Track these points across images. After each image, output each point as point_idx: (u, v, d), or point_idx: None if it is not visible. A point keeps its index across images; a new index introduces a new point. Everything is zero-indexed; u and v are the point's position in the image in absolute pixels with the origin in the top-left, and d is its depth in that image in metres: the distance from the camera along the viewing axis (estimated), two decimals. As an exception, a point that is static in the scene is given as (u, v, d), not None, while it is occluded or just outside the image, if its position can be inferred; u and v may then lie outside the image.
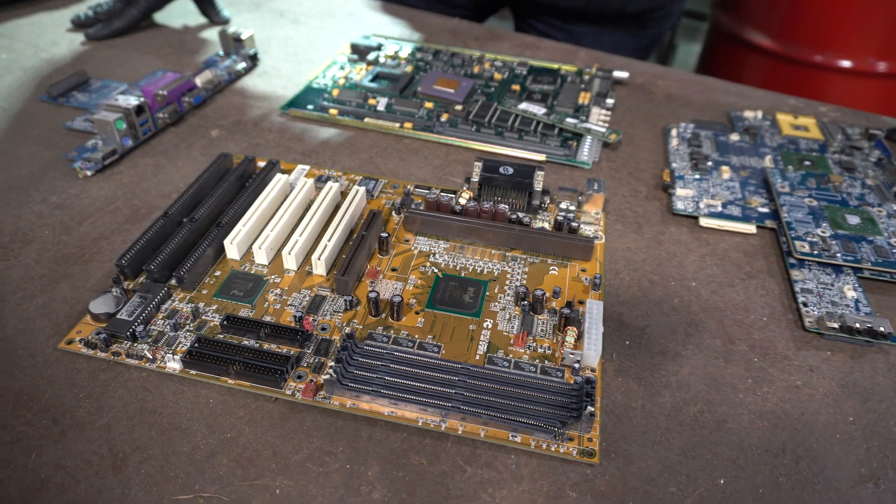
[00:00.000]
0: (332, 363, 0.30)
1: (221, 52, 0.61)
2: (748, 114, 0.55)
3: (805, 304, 0.36)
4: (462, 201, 0.41)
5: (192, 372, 0.31)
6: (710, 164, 0.48)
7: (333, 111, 0.52)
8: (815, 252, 0.39)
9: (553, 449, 0.29)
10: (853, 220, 0.42)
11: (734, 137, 0.51)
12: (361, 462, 0.28)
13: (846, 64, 1.20)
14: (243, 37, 0.59)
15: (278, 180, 0.41)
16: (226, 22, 0.68)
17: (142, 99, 0.48)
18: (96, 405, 0.30)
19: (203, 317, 0.34)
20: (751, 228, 0.42)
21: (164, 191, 0.43)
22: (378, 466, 0.28)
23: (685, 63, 1.79)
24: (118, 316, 0.32)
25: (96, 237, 0.39)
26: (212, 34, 0.66)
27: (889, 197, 0.44)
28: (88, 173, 0.44)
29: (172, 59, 0.61)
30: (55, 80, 0.56)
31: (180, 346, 0.32)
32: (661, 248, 0.41)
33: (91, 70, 0.58)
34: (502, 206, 0.40)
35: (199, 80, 0.55)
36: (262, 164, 0.45)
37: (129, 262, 0.35)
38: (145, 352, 0.32)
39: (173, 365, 0.31)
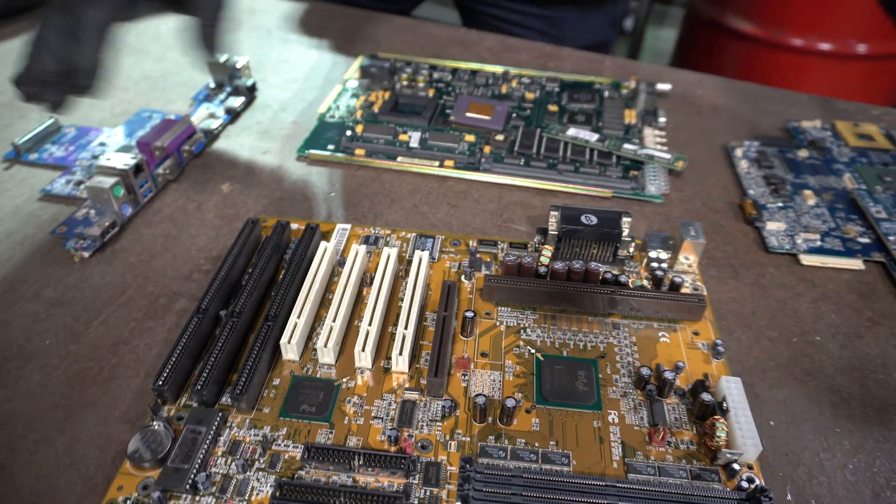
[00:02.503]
0: (460, 503, 0.24)
1: (213, 84, 0.53)
2: (807, 124, 0.51)
3: (952, 357, 0.32)
4: (544, 261, 0.35)
5: (279, 530, 0.24)
6: (789, 188, 0.43)
7: (360, 151, 0.45)
8: (943, 291, 0.35)
9: (739, 586, 0.24)
10: (966, 246, 0.38)
11: (803, 154, 0.47)
12: None
13: (826, 47, 1.19)
14: (239, 65, 0.52)
15: (324, 250, 0.35)
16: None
17: (139, 156, 0.40)
18: None
19: (273, 446, 0.27)
20: (858, 264, 0.38)
21: (182, 271, 0.36)
22: None
23: (655, 50, 1.77)
24: (170, 462, 0.26)
25: (113, 342, 0.32)
26: (197, 60, 0.58)
27: None
28: (85, 255, 0.37)
29: (153, 95, 0.53)
30: (19, 129, 0.47)
31: (255, 492, 0.25)
32: (767, 296, 0.36)
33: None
34: (594, 264, 0.34)
35: (195, 121, 0.47)
36: (294, 225, 0.38)
37: (169, 382, 0.28)
38: (213, 508, 0.25)
39: (253, 523, 0.24)
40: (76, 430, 0.28)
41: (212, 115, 0.49)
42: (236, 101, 0.51)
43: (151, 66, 0.57)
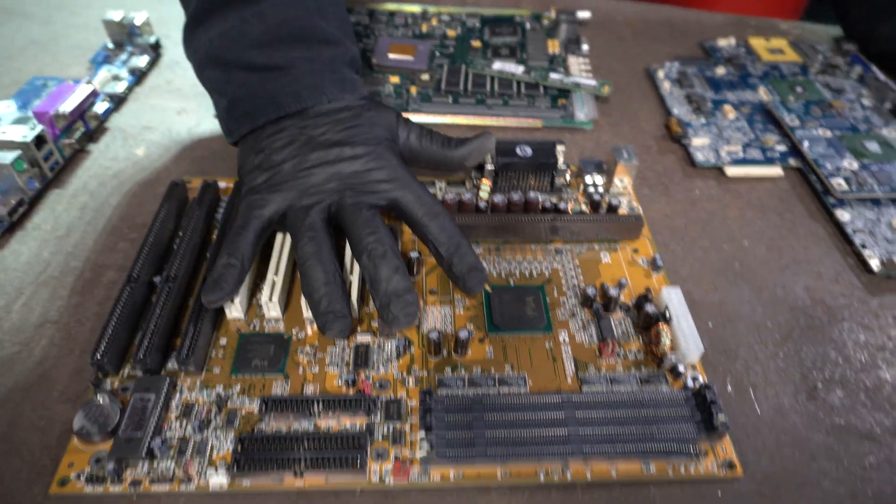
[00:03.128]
0: (423, 433, 0.25)
1: (111, 45, 0.49)
2: (722, 42, 0.53)
3: (864, 246, 0.35)
4: (484, 195, 0.36)
5: (246, 483, 0.25)
6: (710, 104, 0.45)
7: (282, 103, 0.44)
8: (853, 188, 0.38)
9: (693, 471, 0.26)
10: (872, 146, 0.41)
11: (720, 71, 0.49)
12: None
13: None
14: (137, 22, 0.49)
15: (257, 205, 0.34)
16: None
17: (38, 126, 0.37)
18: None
19: (228, 403, 0.27)
20: (777, 171, 0.41)
21: (105, 242, 0.35)
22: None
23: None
24: (121, 433, 0.25)
25: (38, 323, 0.30)
26: (89, 20, 0.54)
27: (885, 114, 0.44)
28: (-6, 235, 0.34)
29: (45, 61, 0.49)
30: None
31: (216, 451, 0.25)
32: (697, 209, 0.38)
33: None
34: (533, 193, 0.35)
35: (97, 85, 0.44)
36: (222, 183, 0.37)
37: (108, 354, 0.27)
38: (175, 471, 0.25)
39: (218, 479, 0.24)
40: (12, 416, 0.27)
41: (115, 78, 0.46)
42: (140, 61, 0.48)
43: (38, 29, 0.53)
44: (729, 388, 0.29)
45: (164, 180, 0.39)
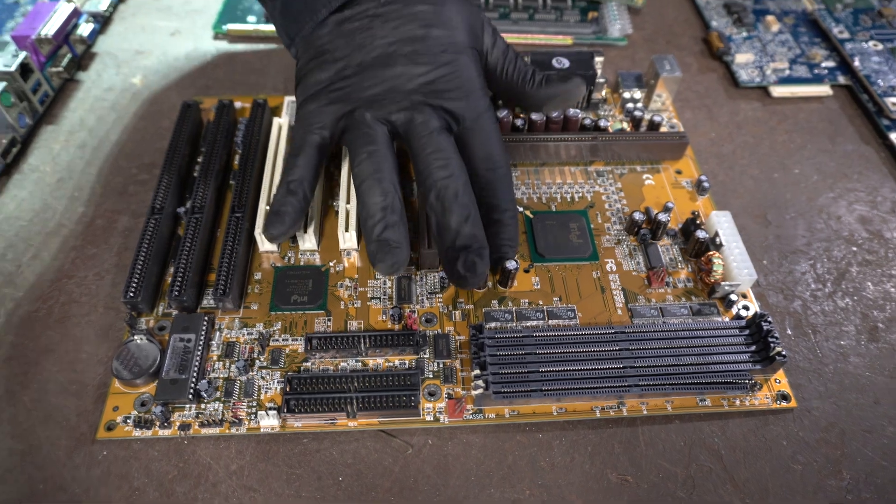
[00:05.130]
0: (477, 371, 0.26)
1: (87, -43, 0.48)
2: (762, -54, 0.52)
3: (920, 170, 0.36)
4: (521, 113, 0.36)
5: (298, 424, 0.26)
6: (751, 15, 0.45)
7: (287, 21, 0.43)
8: (909, 106, 0.38)
9: (748, 403, 0.27)
10: (927, 59, 0.41)
11: (761, -22, 0.49)
12: (559, 500, 0.25)
13: None
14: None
15: (279, 127, 0.34)
16: None
17: (21, 53, 0.36)
18: None
19: (271, 342, 0.28)
20: (826, 90, 0.41)
21: (114, 184, 0.34)
22: (580, 500, 0.25)
23: None
24: (164, 375, 0.26)
25: (54, 278, 0.30)
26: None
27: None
28: (-11, 177, 0.34)
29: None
30: None
31: (262, 390, 0.26)
32: (744, 133, 0.39)
33: None
34: (572, 111, 0.35)
35: (78, 2, 0.43)
36: (237, 103, 0.37)
37: (141, 292, 0.28)
38: (223, 412, 0.26)
39: (269, 422, 0.26)
40: (42, 380, 0.27)
41: (97, -6, 0.45)
42: (123, -26, 0.46)
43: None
44: (788, 330, 0.30)
45: (167, 112, 0.38)
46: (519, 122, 0.35)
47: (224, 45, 0.43)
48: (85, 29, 0.41)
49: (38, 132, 0.37)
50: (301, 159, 0.29)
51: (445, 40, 0.30)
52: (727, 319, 0.30)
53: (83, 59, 0.41)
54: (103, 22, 0.44)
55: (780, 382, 0.28)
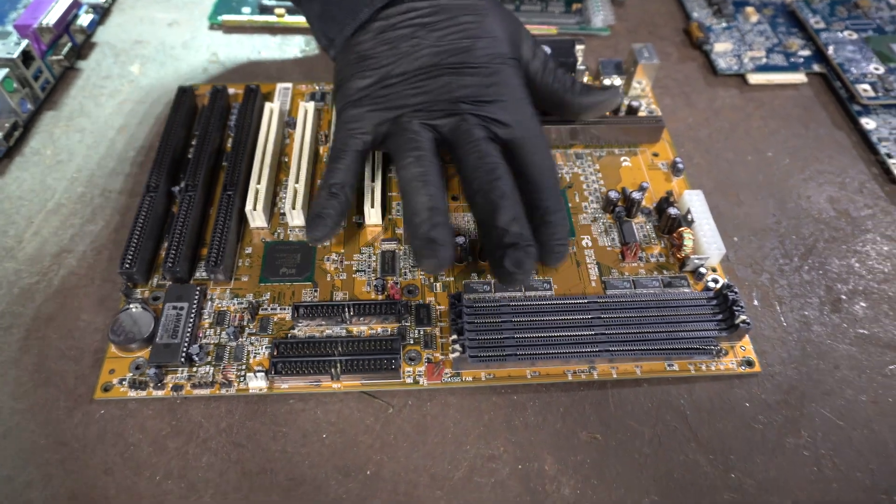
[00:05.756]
0: (455, 336, 0.28)
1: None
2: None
3: (889, 155, 0.38)
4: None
5: (284, 386, 0.27)
6: (731, 7, 0.47)
7: (280, 12, 0.45)
8: (879, 94, 0.40)
9: (714, 368, 0.29)
10: (899, 48, 0.43)
11: (742, -29, 0.50)
12: (532, 456, 0.26)
13: None
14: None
15: (270, 111, 0.36)
16: None
17: (23, 41, 0.38)
18: (181, 471, 0.26)
19: (260, 311, 0.30)
20: (801, 77, 0.43)
21: (111, 166, 0.36)
22: (551, 457, 0.27)
23: None
24: (158, 339, 0.28)
25: (55, 252, 0.32)
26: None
27: (917, 16, 0.46)
28: (-9, 160, 0.36)
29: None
30: None
31: (251, 355, 0.28)
32: (720, 119, 0.40)
33: None
34: (550, 99, 0.37)
35: (79, -4, 0.45)
36: (231, 90, 0.39)
37: (136, 263, 0.29)
38: (214, 375, 0.27)
39: (257, 383, 0.27)
40: (42, 347, 0.29)
41: (96, -14, 0.46)
42: (122, -32, 0.48)
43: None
44: (755, 301, 0.32)
45: (163, 99, 0.40)
46: (501, 107, 0.37)
47: (219, 36, 0.44)
48: (84, 19, 0.43)
49: (40, 117, 0.39)
50: (342, 163, 0.29)
51: (490, 51, 0.31)
52: (697, 290, 0.31)
53: (83, 49, 0.43)
54: (102, 13, 0.45)
55: (745, 349, 0.30)
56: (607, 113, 0.38)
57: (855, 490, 0.26)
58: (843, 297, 0.32)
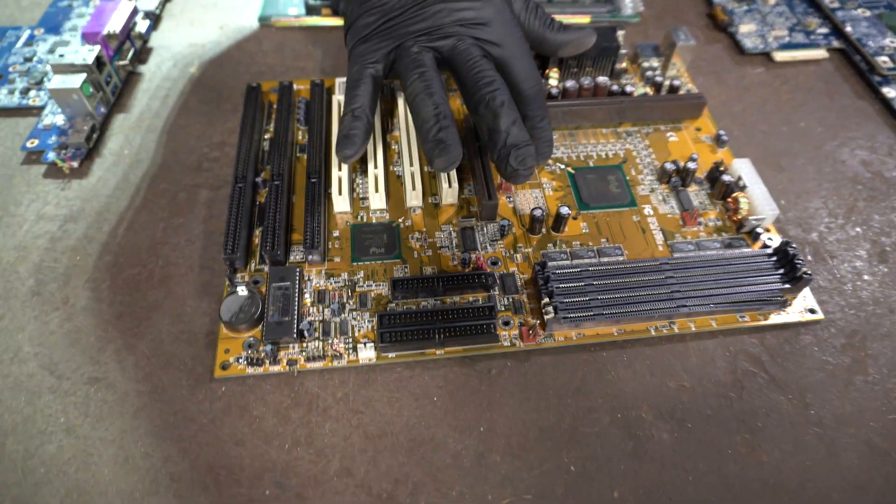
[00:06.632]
0: (546, 299, 0.29)
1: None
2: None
3: (911, 119, 0.40)
4: (553, 83, 0.39)
5: (392, 355, 0.29)
6: (749, -10, 0.49)
7: (327, 11, 0.46)
8: (897, 63, 0.42)
9: (781, 318, 0.31)
10: (910, 22, 0.45)
11: (754, -43, 0.52)
12: (628, 405, 0.28)
13: None
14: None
15: (338, 104, 0.37)
16: None
17: (95, 47, 0.39)
18: (308, 438, 0.27)
19: (357, 288, 0.31)
20: (822, 53, 0.45)
21: (189, 163, 0.37)
22: (646, 404, 0.28)
23: None
24: (270, 318, 0.29)
25: (149, 245, 0.33)
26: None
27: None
28: (74, 164, 0.37)
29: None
30: (-81, 42, 0.44)
31: (356, 329, 0.30)
32: (751, 94, 0.42)
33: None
34: (602, 78, 0.38)
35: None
36: (294, 85, 0.40)
37: (237, 249, 0.31)
38: (324, 349, 0.29)
39: (367, 354, 0.29)
40: (155, 332, 0.30)
41: (145, -6, 0.47)
42: (166, -24, 0.49)
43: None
44: (809, 257, 0.34)
45: (226, 97, 0.41)
46: (554, 91, 0.38)
47: (270, 35, 0.46)
48: (142, 25, 0.44)
49: (112, 120, 0.40)
50: (361, 90, 0.32)
51: None
52: (756, 249, 0.33)
53: (141, 54, 0.44)
54: (154, 19, 0.46)
55: (805, 299, 0.32)
56: (650, 91, 0.39)
57: (924, 418, 0.28)
58: (888, 248, 0.34)
